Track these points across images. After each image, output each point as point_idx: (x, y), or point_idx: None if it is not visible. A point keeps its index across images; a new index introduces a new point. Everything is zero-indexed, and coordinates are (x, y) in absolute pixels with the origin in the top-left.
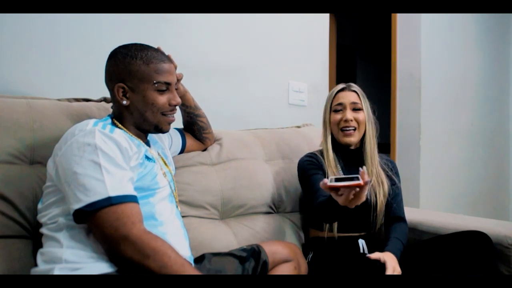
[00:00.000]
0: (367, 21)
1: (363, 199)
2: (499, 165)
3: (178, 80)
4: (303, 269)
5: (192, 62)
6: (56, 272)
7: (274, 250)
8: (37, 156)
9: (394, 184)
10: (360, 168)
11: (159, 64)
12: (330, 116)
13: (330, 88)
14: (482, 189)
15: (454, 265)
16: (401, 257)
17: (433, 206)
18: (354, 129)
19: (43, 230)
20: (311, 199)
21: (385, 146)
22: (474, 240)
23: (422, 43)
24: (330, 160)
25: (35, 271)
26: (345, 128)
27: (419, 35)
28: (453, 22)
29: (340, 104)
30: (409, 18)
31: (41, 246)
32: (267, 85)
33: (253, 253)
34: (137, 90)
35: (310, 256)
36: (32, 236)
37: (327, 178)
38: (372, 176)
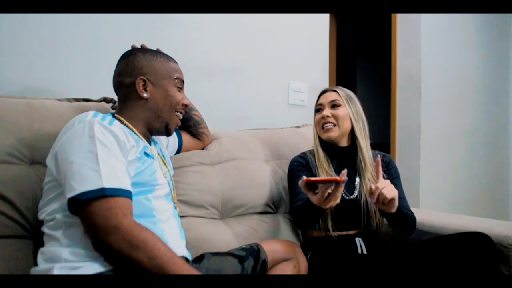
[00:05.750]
0: (367, 21)
1: (338, 199)
2: (499, 165)
3: None
4: (303, 268)
5: (192, 62)
6: (56, 271)
7: (273, 249)
8: (37, 156)
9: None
10: (343, 171)
11: (175, 64)
12: (314, 117)
13: None
14: (482, 189)
15: (455, 266)
16: (401, 257)
17: (433, 206)
18: (334, 125)
19: (43, 228)
20: (290, 202)
21: (385, 146)
22: (476, 241)
23: (422, 43)
24: (321, 160)
25: (35, 270)
26: (324, 125)
27: (419, 35)
28: (453, 22)
29: (320, 104)
30: (409, 18)
31: (41, 245)
32: (267, 85)
33: (252, 252)
34: (158, 85)
35: (309, 255)
36: (32, 236)
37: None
38: (366, 174)
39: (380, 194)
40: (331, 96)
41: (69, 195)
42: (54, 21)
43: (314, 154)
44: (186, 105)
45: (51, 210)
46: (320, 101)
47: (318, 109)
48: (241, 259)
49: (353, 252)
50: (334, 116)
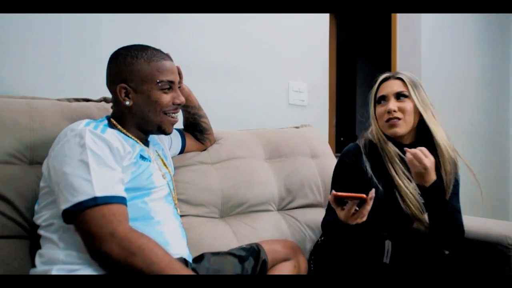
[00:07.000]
0: (367, 21)
1: (364, 217)
2: (499, 165)
3: (180, 78)
4: (303, 268)
5: (192, 62)
6: (54, 273)
7: (273, 249)
8: (36, 156)
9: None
10: (372, 192)
11: (160, 62)
12: (375, 109)
13: (330, 88)
14: (482, 189)
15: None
16: (401, 256)
17: None
18: (399, 119)
19: (40, 231)
20: (327, 209)
21: None
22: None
23: (422, 43)
24: (392, 155)
25: (33, 272)
26: (389, 119)
27: (419, 35)
28: (453, 22)
29: (382, 96)
30: (409, 18)
31: (39, 246)
32: (267, 85)
33: (253, 252)
34: (140, 90)
35: (320, 240)
36: (31, 236)
37: (367, 171)
38: (446, 169)
39: (417, 154)
40: (396, 85)
41: (63, 207)
42: (54, 21)
43: (367, 148)
44: (179, 104)
45: (48, 216)
46: (383, 91)
47: (380, 101)
48: (241, 259)
49: (376, 259)
50: (401, 109)
